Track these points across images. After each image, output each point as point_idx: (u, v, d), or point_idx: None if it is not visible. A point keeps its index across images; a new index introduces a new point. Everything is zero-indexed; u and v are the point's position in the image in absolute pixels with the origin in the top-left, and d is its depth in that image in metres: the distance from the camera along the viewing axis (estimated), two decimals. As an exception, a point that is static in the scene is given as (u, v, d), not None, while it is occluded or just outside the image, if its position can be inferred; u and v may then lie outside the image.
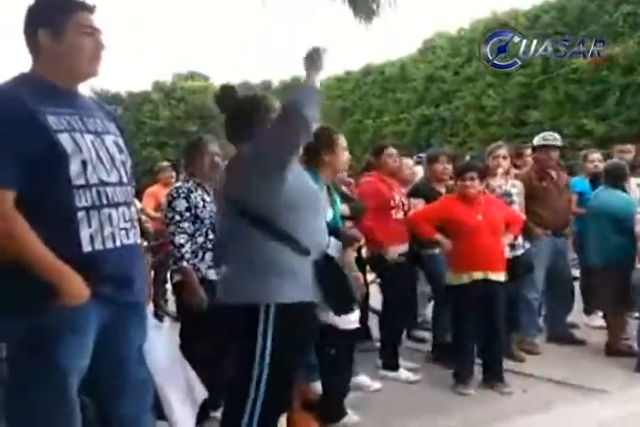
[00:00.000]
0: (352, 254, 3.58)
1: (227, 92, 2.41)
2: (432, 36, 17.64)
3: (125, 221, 1.83)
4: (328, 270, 2.21)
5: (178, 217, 3.09)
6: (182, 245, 3.04)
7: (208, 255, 3.11)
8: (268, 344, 2.09)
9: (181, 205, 3.09)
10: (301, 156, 2.93)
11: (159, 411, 2.01)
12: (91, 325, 1.74)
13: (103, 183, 1.78)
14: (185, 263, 3.02)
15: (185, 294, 3.04)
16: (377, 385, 3.74)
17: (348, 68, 19.85)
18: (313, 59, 2.18)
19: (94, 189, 1.76)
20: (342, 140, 3.22)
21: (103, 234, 1.76)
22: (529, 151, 5.15)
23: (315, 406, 3.13)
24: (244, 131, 2.27)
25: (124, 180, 1.86)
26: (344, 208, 3.70)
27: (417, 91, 17.21)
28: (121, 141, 1.92)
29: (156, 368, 1.95)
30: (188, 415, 2.10)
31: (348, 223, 3.73)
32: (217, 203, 2.59)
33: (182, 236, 3.05)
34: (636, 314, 4.74)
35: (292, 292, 2.13)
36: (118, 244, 1.79)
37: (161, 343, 1.98)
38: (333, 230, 3.14)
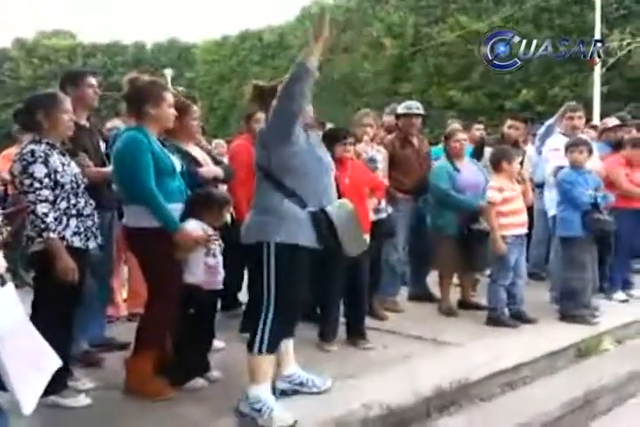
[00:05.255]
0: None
1: (257, 89, 3.02)
2: (310, 3, 17.66)
3: None
4: (321, 221, 2.76)
5: (37, 184, 2.83)
6: (46, 215, 2.81)
7: (72, 222, 2.93)
8: (272, 273, 2.77)
9: (40, 170, 2.83)
10: (127, 109, 3.21)
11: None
12: None
13: None
14: (51, 234, 2.82)
15: (53, 264, 2.85)
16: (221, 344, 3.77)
17: (225, 32, 19.41)
18: (317, 27, 2.63)
19: None
20: (170, 97, 3.18)
21: None
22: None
23: (168, 366, 3.15)
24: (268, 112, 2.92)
25: None
26: (217, 170, 3.71)
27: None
28: None
29: None
30: (31, 385, 1.96)
31: (221, 186, 3.79)
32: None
33: (44, 204, 2.82)
34: (487, 273, 5.13)
35: (288, 235, 2.75)
36: None
37: None
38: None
